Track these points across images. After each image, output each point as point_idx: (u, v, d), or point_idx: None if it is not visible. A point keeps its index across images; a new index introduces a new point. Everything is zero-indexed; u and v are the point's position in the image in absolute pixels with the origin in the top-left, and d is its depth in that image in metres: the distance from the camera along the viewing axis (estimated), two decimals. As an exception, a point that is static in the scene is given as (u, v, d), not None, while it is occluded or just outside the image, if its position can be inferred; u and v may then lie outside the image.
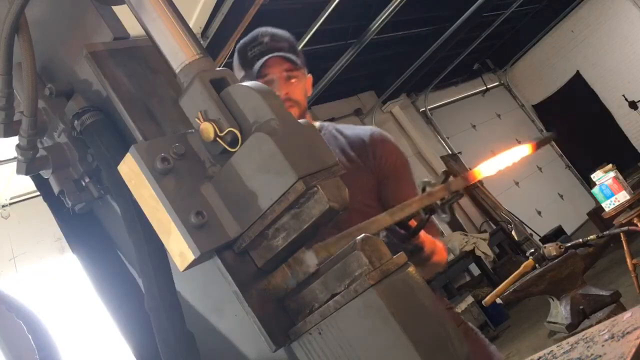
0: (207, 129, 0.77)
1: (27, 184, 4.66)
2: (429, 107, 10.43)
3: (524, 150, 1.32)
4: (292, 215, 0.75)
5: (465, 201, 9.26)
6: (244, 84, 0.79)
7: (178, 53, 0.82)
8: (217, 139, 0.77)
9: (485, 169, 1.13)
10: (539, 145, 1.40)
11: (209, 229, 0.75)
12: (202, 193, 0.77)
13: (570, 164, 11.97)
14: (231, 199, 0.77)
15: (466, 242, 7.95)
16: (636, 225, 4.88)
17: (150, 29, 0.84)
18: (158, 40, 0.83)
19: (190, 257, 0.72)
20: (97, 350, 5.03)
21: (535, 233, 9.38)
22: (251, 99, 0.77)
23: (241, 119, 0.77)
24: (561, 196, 11.19)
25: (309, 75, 1.98)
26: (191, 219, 0.73)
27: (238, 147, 0.76)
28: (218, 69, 0.82)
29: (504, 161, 1.16)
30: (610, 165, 5.59)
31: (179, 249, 0.73)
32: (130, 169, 0.75)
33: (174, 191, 0.75)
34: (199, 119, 0.78)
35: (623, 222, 4.93)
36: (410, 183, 1.89)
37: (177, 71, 0.82)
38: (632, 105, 10.50)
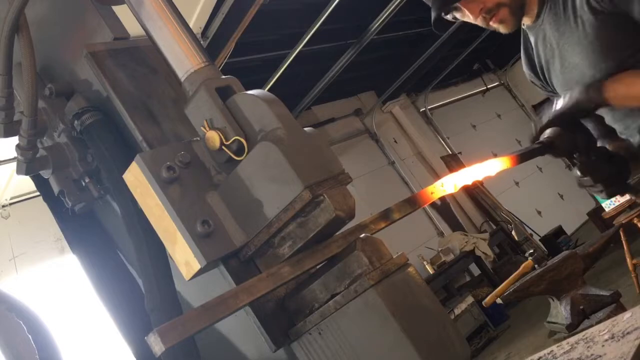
0: (213, 137, 0.77)
1: (27, 184, 4.66)
2: (429, 107, 10.41)
3: (493, 165, 1.12)
4: (298, 223, 0.75)
5: (465, 201, 9.25)
6: (250, 92, 0.79)
7: (183, 61, 0.81)
8: (223, 147, 0.76)
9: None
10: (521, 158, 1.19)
11: (215, 237, 0.75)
12: (208, 202, 0.77)
13: (570, 164, 11.95)
14: (237, 207, 0.77)
15: (466, 242, 7.94)
16: (637, 226, 4.87)
17: (155, 38, 0.84)
18: (163, 48, 0.83)
19: (196, 266, 0.72)
20: (97, 350, 5.03)
21: (535, 233, 9.36)
22: (257, 107, 0.76)
23: (247, 127, 0.77)
24: (561, 196, 11.17)
25: None
26: (197, 228, 0.73)
27: (244, 155, 0.76)
28: (224, 77, 0.82)
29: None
30: (610, 165, 5.55)
31: (185, 258, 0.73)
32: (135, 177, 0.75)
33: (179, 200, 0.75)
34: (204, 127, 0.78)
35: (623, 222, 4.92)
36: None
37: (182, 79, 0.81)
38: (632, 105, 10.47)
